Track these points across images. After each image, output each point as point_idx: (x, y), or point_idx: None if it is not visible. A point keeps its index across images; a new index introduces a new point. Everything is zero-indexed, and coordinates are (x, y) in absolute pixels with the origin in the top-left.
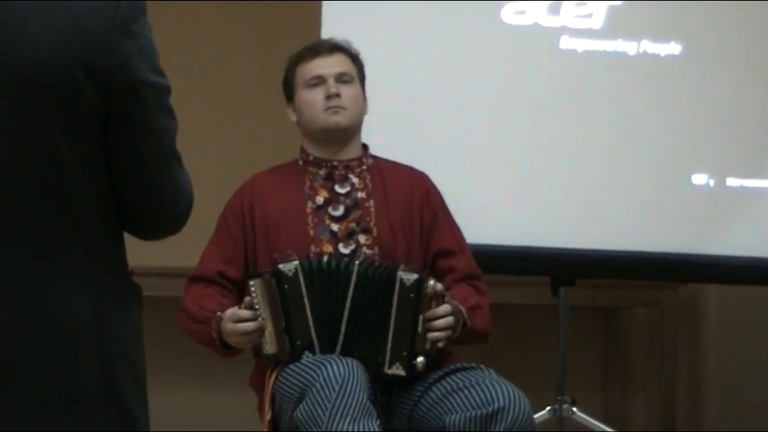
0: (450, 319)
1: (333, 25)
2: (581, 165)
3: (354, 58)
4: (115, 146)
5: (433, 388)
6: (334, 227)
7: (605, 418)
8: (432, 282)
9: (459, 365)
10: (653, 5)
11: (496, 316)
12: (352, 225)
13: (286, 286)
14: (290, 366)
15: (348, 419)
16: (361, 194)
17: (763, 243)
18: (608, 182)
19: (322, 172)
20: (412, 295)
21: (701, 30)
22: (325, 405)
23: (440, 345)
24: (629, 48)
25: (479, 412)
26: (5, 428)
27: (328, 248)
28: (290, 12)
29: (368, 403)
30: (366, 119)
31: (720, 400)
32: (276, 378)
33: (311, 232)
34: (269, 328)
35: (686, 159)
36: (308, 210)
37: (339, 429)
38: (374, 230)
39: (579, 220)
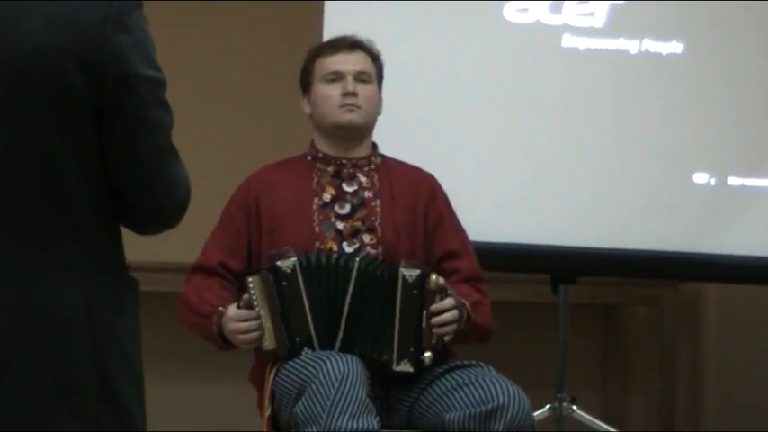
0: (454, 312)
1: (335, 24)
2: (582, 163)
3: (375, 58)
4: (109, 139)
5: (433, 385)
6: (340, 225)
7: (604, 416)
8: (434, 276)
9: (459, 362)
10: (655, 4)
11: (497, 313)
12: (358, 224)
13: (284, 283)
14: (290, 362)
15: (347, 416)
16: (367, 194)
17: (764, 242)
18: (609, 180)
19: (330, 169)
20: (415, 291)
21: (703, 29)
22: (325, 401)
23: (446, 338)
24: (631, 46)
25: (479, 409)
26: None
27: (332, 246)
28: (291, 11)
29: (367, 400)
30: None
31: (720, 398)
32: (276, 374)
33: (316, 229)
34: (267, 325)
35: (687, 158)
36: (315, 206)
37: (338, 426)
38: (379, 230)
39: (580, 218)
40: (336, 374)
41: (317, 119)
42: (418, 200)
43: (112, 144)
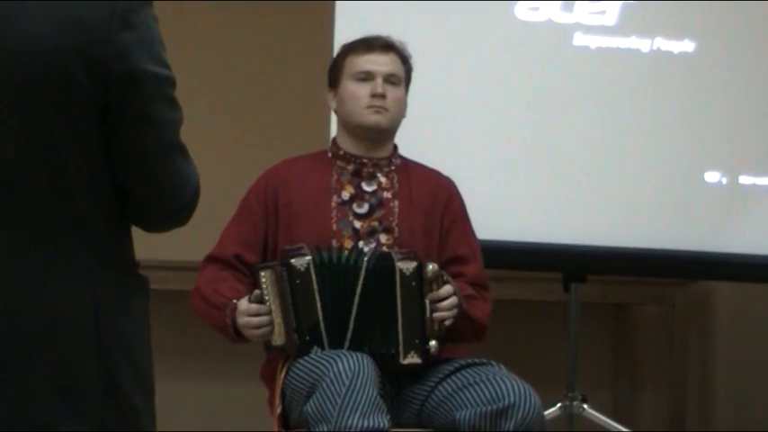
0: (454, 298)
1: (346, 24)
2: (593, 161)
3: (405, 61)
4: (115, 137)
5: (444, 383)
6: (357, 224)
7: (615, 414)
8: (430, 266)
9: (469, 361)
10: (667, 3)
11: (508, 312)
12: (375, 224)
13: (297, 281)
14: (300, 361)
15: (358, 414)
16: (386, 194)
17: None
18: (620, 179)
19: (350, 167)
20: (414, 283)
21: (714, 27)
22: (335, 400)
23: (447, 323)
24: (643, 45)
25: (489, 408)
26: None
27: (348, 245)
28: (303, 10)
29: (378, 398)
30: None
31: (730, 397)
32: (286, 372)
33: (334, 226)
34: (278, 320)
35: (699, 157)
36: (333, 204)
37: (349, 424)
38: (396, 231)
39: (591, 217)
40: (347, 373)
41: (343, 116)
42: (436, 203)
43: (118, 142)
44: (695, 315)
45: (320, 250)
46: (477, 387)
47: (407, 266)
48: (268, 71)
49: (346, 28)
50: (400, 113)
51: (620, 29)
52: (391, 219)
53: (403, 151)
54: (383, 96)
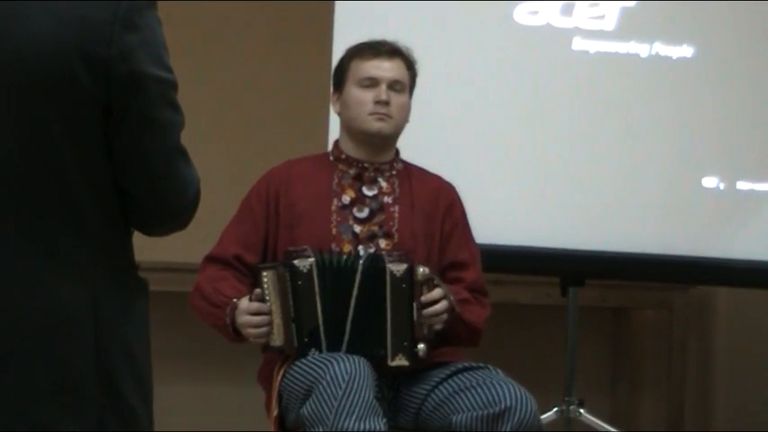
0: (444, 302)
1: (345, 25)
2: (592, 166)
3: (410, 66)
4: (116, 138)
5: (441, 387)
6: (357, 228)
7: (613, 419)
8: (421, 269)
9: (466, 365)
10: (666, 8)
11: (506, 315)
12: (375, 228)
13: (299, 282)
14: (297, 363)
15: (354, 417)
16: (387, 199)
17: None
18: (619, 183)
19: (352, 171)
20: (404, 286)
21: (713, 32)
22: (332, 403)
23: (437, 327)
24: (642, 50)
25: (486, 412)
26: None
27: (348, 249)
28: (302, 11)
29: (374, 401)
30: None
31: (729, 402)
32: (283, 375)
33: (334, 230)
34: (277, 321)
35: (697, 162)
36: (334, 207)
37: (345, 427)
38: (396, 236)
39: (589, 221)
40: (344, 376)
41: (346, 120)
42: (436, 209)
43: (119, 144)
44: (694, 320)
45: (323, 253)
46: (473, 391)
47: (398, 268)
48: (267, 71)
49: (345, 29)
50: (403, 120)
51: (619, 33)
52: (391, 224)
53: (403, 155)
54: (387, 104)
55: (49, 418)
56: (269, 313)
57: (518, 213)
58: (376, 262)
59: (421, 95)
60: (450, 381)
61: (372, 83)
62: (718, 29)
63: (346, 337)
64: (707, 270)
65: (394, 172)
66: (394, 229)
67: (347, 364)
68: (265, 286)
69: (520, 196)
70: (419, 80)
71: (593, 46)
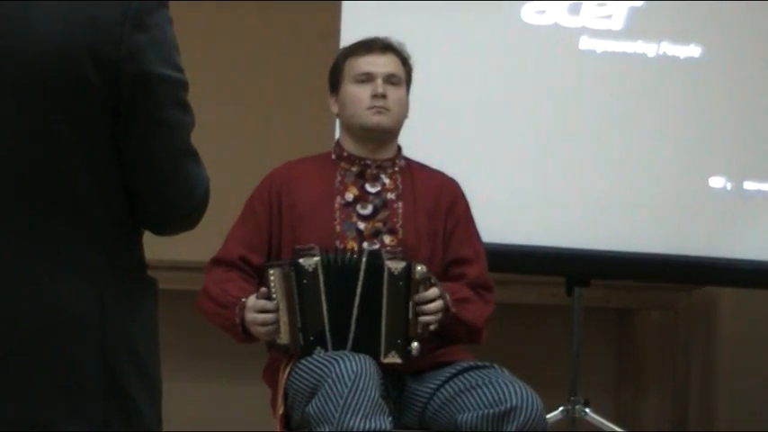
0: (439, 302)
1: (352, 25)
2: (598, 165)
3: (405, 61)
4: (125, 139)
5: (446, 386)
6: (361, 225)
7: (617, 419)
8: (419, 267)
9: (472, 364)
10: (673, 7)
11: (511, 315)
12: (379, 225)
13: (305, 281)
14: (303, 362)
15: (360, 416)
16: (390, 195)
17: None
18: (625, 183)
19: (354, 169)
20: (401, 283)
21: (720, 33)
22: (337, 401)
23: (432, 327)
24: (649, 49)
25: (491, 411)
26: None
27: (352, 246)
28: (309, 11)
29: (380, 400)
30: None
31: (733, 403)
32: (289, 373)
33: (338, 228)
34: (284, 319)
35: (704, 162)
36: (337, 205)
37: (351, 425)
38: (400, 232)
39: (595, 221)
40: (349, 374)
41: (345, 119)
42: (439, 204)
43: (128, 144)
44: (698, 321)
45: (329, 251)
46: (479, 390)
47: (396, 266)
48: (274, 72)
49: (352, 30)
50: (402, 113)
51: (627, 33)
52: (395, 220)
53: (409, 153)
54: (384, 97)
55: (53, 418)
56: (275, 311)
57: (524, 213)
58: (375, 259)
59: (428, 94)
60: (455, 380)
61: (368, 78)
62: (725, 29)
63: (351, 336)
64: (713, 270)
65: (396, 168)
66: (398, 226)
67: (353, 363)
68: (272, 284)
69: (526, 196)
70: (427, 78)
71: (601, 45)
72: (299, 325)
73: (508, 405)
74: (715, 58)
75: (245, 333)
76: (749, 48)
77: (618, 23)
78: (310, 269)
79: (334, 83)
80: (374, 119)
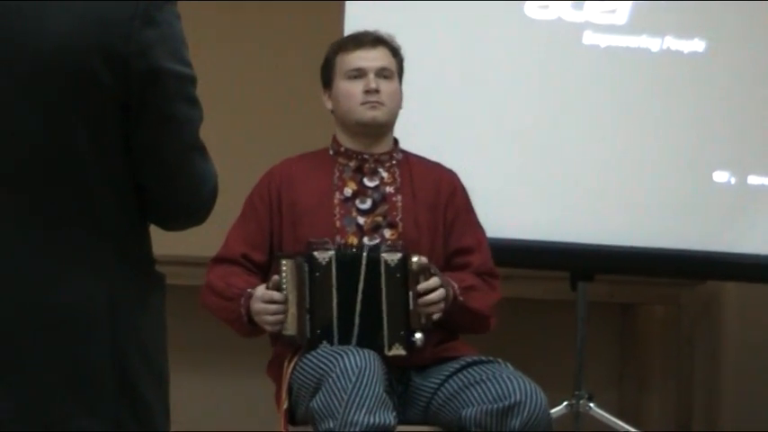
0: (441, 291)
1: (355, 24)
2: (602, 160)
3: (395, 53)
4: (134, 134)
5: (450, 381)
6: (361, 219)
7: (621, 413)
8: (416, 258)
9: (476, 358)
10: (677, 2)
11: (515, 310)
12: (379, 219)
13: (317, 274)
14: (307, 356)
15: (364, 410)
16: (389, 189)
17: None
18: (629, 178)
19: (352, 164)
20: (398, 275)
21: (725, 27)
22: (342, 396)
23: (434, 317)
24: (653, 44)
25: (496, 406)
26: (10, 410)
27: (353, 241)
28: (313, 10)
29: (384, 394)
30: None
31: (737, 398)
32: (293, 368)
33: (338, 223)
34: (292, 310)
35: (708, 157)
36: (336, 200)
37: (355, 420)
38: (400, 225)
39: (599, 216)
40: (354, 369)
41: (340, 115)
42: (439, 196)
43: (137, 139)
44: (702, 315)
45: (342, 248)
46: (483, 385)
47: (392, 258)
48: (277, 70)
49: (356, 28)
50: (396, 106)
51: (631, 28)
52: (395, 213)
53: (410, 148)
54: (377, 91)
55: (65, 415)
56: (284, 302)
57: (527, 207)
58: (372, 252)
59: (431, 90)
60: (459, 375)
61: (360, 73)
62: (729, 23)
63: (356, 331)
64: (717, 265)
65: (394, 162)
66: (398, 219)
67: (357, 358)
68: (284, 275)
69: (530, 190)
70: (430, 74)
71: (604, 40)
72: (307, 317)
73: (512, 400)
74: (719, 53)
75: (250, 324)
76: (753, 42)
77: (622, 18)
78: (324, 262)
79: (327, 79)
80: (369, 114)
